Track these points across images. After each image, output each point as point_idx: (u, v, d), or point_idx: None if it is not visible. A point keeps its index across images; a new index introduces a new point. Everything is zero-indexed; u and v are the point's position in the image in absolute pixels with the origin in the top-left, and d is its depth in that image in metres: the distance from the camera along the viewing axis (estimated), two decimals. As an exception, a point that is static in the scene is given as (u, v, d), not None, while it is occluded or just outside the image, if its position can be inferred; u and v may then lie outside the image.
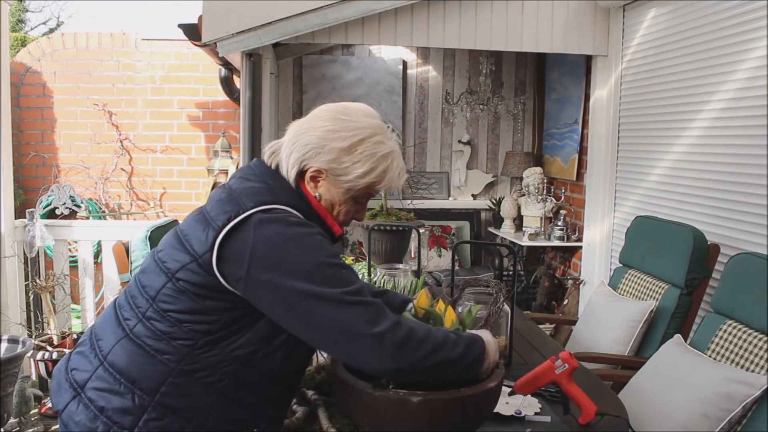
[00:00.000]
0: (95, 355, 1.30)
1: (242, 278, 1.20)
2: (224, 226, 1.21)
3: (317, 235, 1.24)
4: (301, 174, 1.32)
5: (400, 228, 2.74)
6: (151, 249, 2.97)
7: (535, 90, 5.02)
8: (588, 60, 4.06)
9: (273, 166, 1.34)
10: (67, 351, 3.18)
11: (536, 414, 1.59)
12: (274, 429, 1.37)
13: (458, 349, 1.24)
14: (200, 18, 3.33)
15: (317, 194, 1.33)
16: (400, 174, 1.36)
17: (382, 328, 1.16)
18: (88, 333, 1.38)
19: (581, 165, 4.28)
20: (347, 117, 1.32)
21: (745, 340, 2.13)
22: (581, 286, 3.96)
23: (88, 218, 4.88)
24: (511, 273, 4.64)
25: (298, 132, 1.33)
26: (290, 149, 1.32)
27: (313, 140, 1.30)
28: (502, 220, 4.83)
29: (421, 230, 3.21)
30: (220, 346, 1.24)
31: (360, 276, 2.29)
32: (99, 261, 4.07)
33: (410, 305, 1.58)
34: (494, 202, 4.96)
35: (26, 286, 3.58)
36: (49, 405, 3.15)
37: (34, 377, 3.35)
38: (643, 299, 2.77)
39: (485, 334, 1.33)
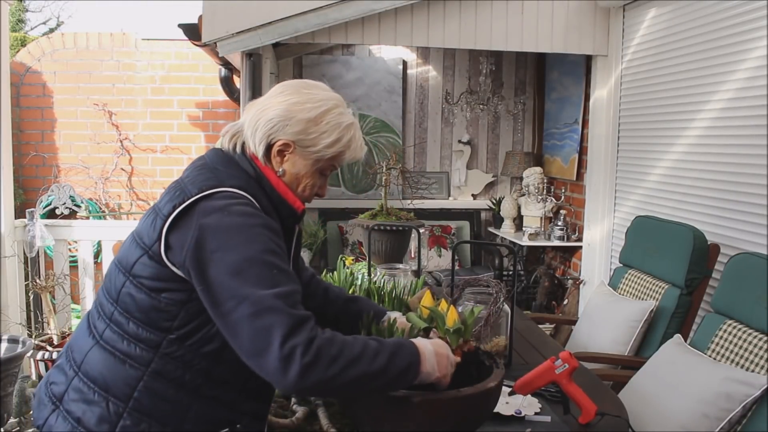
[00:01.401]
0: (70, 367, 1.30)
1: (183, 265, 1.18)
2: (170, 214, 1.20)
3: (259, 227, 1.20)
4: (268, 148, 1.31)
5: (400, 228, 2.74)
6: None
7: (535, 90, 5.02)
8: (588, 60, 4.06)
9: (238, 147, 1.32)
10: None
11: (536, 414, 1.59)
12: (258, 423, 1.35)
13: (380, 360, 1.15)
14: (200, 18, 3.33)
15: (281, 170, 1.32)
16: (361, 146, 1.37)
17: (294, 342, 1.09)
18: (65, 347, 1.38)
19: (581, 165, 4.28)
20: (309, 90, 1.32)
21: (745, 340, 2.13)
22: (581, 286, 3.97)
23: (88, 218, 4.88)
24: (511, 273, 4.64)
25: (261, 109, 1.31)
26: (254, 127, 1.30)
27: (278, 113, 1.29)
28: (502, 220, 4.83)
29: (421, 230, 3.21)
30: (186, 344, 1.23)
31: (360, 276, 2.30)
32: (99, 261, 4.07)
33: (387, 315, 1.53)
34: (494, 202, 4.96)
35: (26, 286, 3.58)
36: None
37: (34, 377, 3.35)
38: (643, 299, 2.77)
39: (421, 341, 1.25)
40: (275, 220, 1.29)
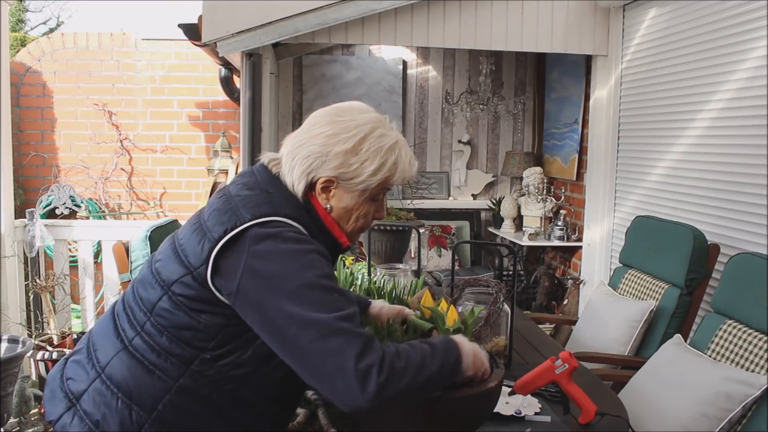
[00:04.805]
0: (92, 366, 1.27)
1: (233, 293, 1.16)
2: (220, 238, 1.17)
3: (313, 253, 1.18)
4: (310, 186, 1.27)
5: (400, 228, 2.74)
6: (151, 249, 2.97)
7: (535, 90, 5.02)
8: (588, 60, 4.05)
9: (277, 173, 1.31)
10: (67, 351, 3.18)
11: (536, 414, 1.59)
12: None
13: (436, 361, 1.17)
14: (200, 18, 3.33)
15: (328, 206, 1.28)
16: (411, 163, 1.30)
17: (368, 362, 1.08)
18: (85, 341, 1.35)
19: (581, 165, 4.28)
20: (343, 118, 1.26)
21: (745, 340, 2.13)
22: (581, 286, 3.96)
23: (88, 218, 4.87)
24: (511, 273, 4.63)
25: (297, 144, 1.27)
26: (291, 164, 1.27)
27: (314, 149, 1.25)
28: (502, 220, 4.83)
29: (421, 230, 3.21)
30: (217, 365, 1.21)
31: (360, 276, 2.30)
32: (99, 261, 4.07)
33: (372, 304, 1.54)
34: (494, 202, 4.96)
35: (26, 286, 3.58)
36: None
37: (34, 377, 3.35)
38: (643, 299, 2.77)
39: (458, 337, 1.28)
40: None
